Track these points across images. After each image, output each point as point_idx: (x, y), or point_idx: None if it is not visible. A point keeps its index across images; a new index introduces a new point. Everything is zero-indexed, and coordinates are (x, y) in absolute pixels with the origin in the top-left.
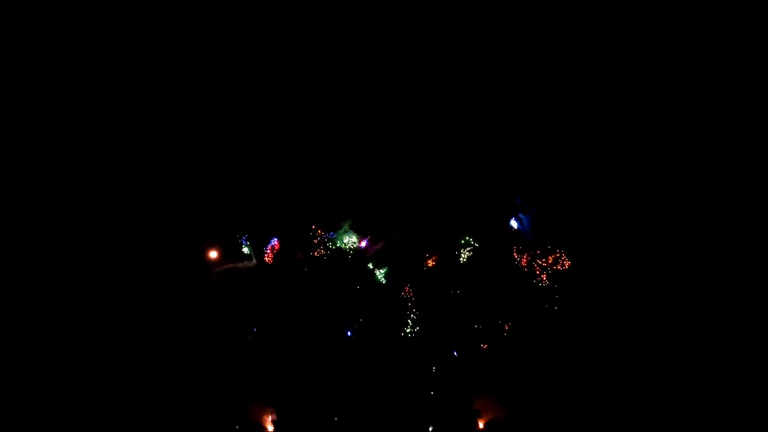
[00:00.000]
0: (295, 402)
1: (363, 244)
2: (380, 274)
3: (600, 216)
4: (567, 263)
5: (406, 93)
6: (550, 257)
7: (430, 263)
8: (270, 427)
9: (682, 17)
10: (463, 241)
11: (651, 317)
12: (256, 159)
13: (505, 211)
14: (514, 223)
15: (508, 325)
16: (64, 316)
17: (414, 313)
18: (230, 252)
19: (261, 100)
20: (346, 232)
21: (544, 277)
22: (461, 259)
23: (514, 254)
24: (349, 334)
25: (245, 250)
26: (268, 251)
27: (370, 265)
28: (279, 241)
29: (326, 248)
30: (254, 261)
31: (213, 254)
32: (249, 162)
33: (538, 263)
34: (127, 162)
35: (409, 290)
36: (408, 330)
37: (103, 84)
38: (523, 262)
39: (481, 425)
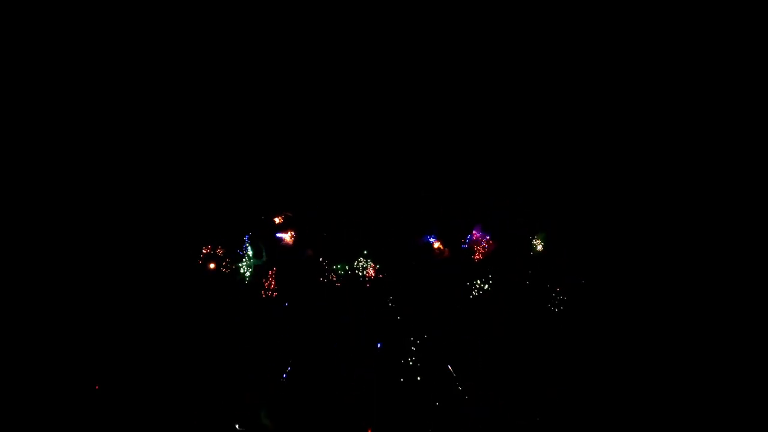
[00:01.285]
0: (295, 402)
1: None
2: (382, 275)
3: (602, 217)
4: (568, 265)
5: (406, 94)
6: (553, 260)
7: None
8: (269, 427)
9: (682, 17)
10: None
11: (652, 318)
12: (256, 159)
13: (506, 211)
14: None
15: (507, 327)
16: (65, 315)
17: (415, 315)
18: (231, 252)
19: (263, 102)
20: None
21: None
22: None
23: (516, 256)
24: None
25: (248, 252)
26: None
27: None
28: (281, 240)
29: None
30: (257, 261)
31: (214, 254)
32: (249, 162)
33: (539, 264)
34: (128, 162)
35: (410, 290)
36: (410, 329)
37: (100, 83)
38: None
39: (479, 425)
